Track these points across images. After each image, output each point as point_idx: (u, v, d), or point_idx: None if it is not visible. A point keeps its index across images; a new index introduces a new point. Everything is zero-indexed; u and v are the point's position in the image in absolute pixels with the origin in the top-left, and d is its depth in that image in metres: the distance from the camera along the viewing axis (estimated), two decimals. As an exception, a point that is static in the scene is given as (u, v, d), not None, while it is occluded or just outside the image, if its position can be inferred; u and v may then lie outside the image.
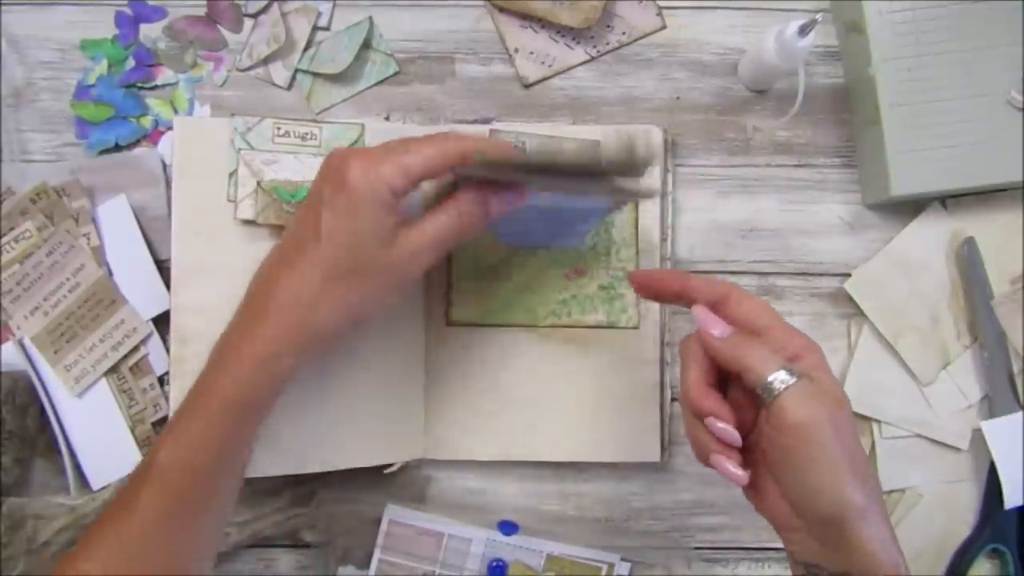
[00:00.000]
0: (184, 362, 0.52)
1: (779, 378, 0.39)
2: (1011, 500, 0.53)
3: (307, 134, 0.53)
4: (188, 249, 0.52)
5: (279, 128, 0.53)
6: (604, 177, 0.44)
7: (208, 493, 0.43)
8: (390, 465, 0.53)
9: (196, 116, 0.56)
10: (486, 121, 0.57)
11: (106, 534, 0.41)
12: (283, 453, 0.51)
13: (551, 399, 0.55)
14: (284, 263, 0.44)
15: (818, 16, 0.48)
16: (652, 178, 0.55)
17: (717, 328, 0.42)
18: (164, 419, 0.55)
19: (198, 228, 0.53)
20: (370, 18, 0.57)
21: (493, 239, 0.54)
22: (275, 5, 0.57)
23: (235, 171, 0.53)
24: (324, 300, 0.43)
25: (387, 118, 0.57)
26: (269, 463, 0.51)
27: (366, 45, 0.57)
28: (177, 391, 0.52)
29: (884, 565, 0.38)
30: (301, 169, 0.53)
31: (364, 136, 0.54)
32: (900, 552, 0.39)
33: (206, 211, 0.52)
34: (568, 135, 0.55)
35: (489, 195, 0.45)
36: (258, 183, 0.52)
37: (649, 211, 0.55)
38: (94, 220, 0.54)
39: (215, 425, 0.42)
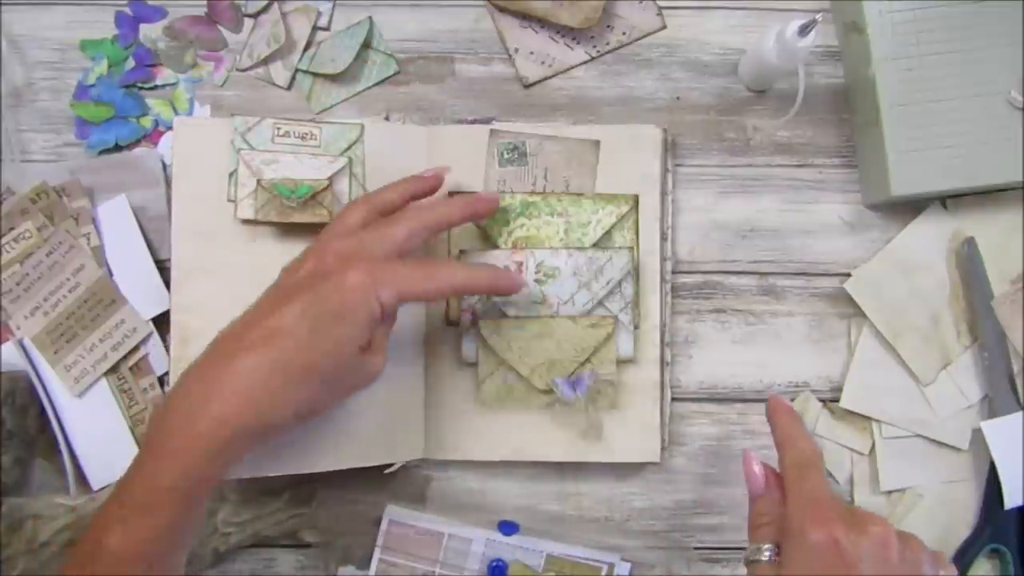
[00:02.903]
0: (184, 362, 0.51)
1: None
2: (1011, 500, 0.53)
3: (307, 134, 0.53)
4: (188, 249, 0.52)
5: (279, 128, 0.53)
6: None
7: (164, 572, 0.42)
8: (390, 465, 0.53)
9: (196, 116, 0.56)
10: (486, 121, 0.57)
11: None
12: (283, 453, 0.51)
13: (551, 398, 0.55)
14: (254, 345, 0.42)
15: (818, 16, 0.48)
16: (652, 178, 0.55)
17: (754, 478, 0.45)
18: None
19: (198, 228, 0.53)
20: (370, 18, 0.57)
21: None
22: (275, 5, 0.57)
23: (235, 171, 0.53)
24: (290, 396, 0.42)
25: (387, 118, 0.57)
26: (269, 463, 0.51)
27: (366, 45, 0.57)
28: None
29: None
30: (301, 168, 0.53)
31: (363, 136, 0.54)
32: None
33: (206, 211, 0.52)
34: (568, 135, 0.55)
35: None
36: (258, 182, 0.52)
37: (649, 211, 0.55)
38: (94, 220, 0.54)
39: (166, 514, 0.40)
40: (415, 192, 0.50)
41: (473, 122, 0.57)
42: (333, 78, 0.57)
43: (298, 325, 0.42)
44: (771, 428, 0.45)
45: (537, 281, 0.54)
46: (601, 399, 0.54)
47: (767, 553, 0.43)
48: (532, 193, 0.55)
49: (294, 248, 0.52)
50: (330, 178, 0.52)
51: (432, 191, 0.51)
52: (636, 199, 0.55)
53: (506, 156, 0.55)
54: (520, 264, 0.54)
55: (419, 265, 0.47)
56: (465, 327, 0.54)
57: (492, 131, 0.55)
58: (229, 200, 0.53)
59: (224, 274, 0.52)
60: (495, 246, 0.54)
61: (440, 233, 0.53)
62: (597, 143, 0.55)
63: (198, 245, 0.52)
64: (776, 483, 0.44)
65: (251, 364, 0.42)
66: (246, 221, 0.52)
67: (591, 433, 0.54)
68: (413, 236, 0.46)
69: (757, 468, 0.45)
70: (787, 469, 0.43)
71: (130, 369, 0.55)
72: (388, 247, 0.45)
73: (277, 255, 0.52)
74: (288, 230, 0.53)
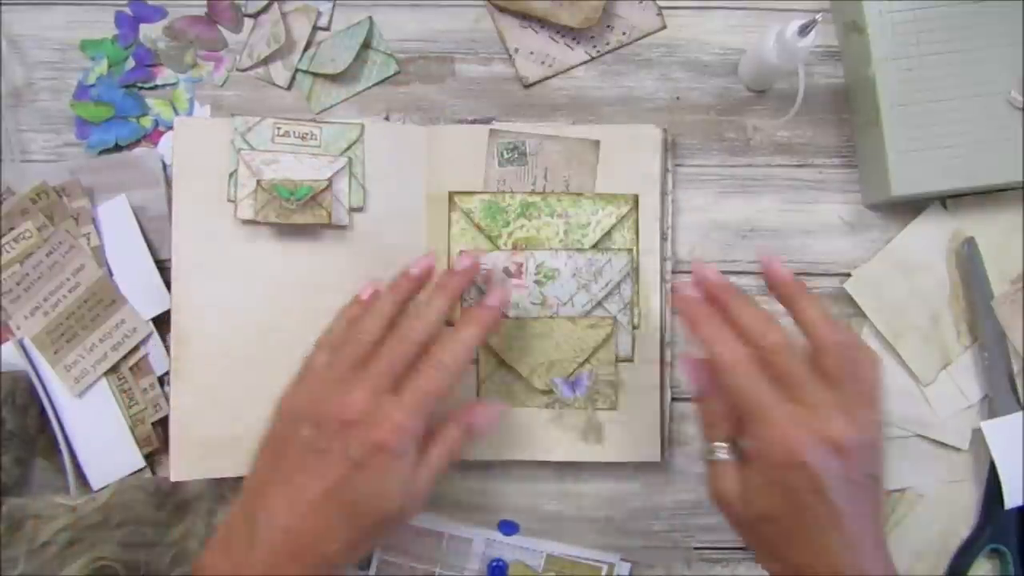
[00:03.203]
0: (184, 361, 0.52)
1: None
2: (1011, 500, 0.53)
3: (307, 134, 0.53)
4: (188, 249, 0.53)
5: (279, 128, 0.53)
6: None
7: None
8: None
9: (196, 116, 0.56)
10: (486, 121, 0.57)
11: None
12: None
13: (551, 399, 0.55)
14: (307, 516, 0.42)
15: (818, 16, 0.48)
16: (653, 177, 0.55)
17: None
18: (164, 419, 0.55)
19: (198, 228, 0.53)
20: (370, 18, 0.57)
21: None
22: (275, 5, 0.57)
23: (235, 171, 0.53)
24: (352, 553, 0.43)
25: (387, 118, 0.57)
26: None
27: (366, 45, 0.57)
28: (177, 391, 0.52)
29: None
30: (301, 168, 0.53)
31: (364, 136, 0.54)
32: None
33: (206, 211, 0.53)
34: (568, 135, 0.55)
35: (464, 419, 0.47)
36: (258, 182, 0.52)
37: (649, 211, 0.55)
38: (94, 220, 0.54)
39: None
40: (405, 300, 0.47)
41: (473, 122, 0.57)
42: (333, 78, 0.57)
43: (343, 492, 0.42)
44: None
45: (537, 282, 0.54)
46: (600, 399, 0.54)
47: (721, 453, 0.44)
48: (532, 193, 0.55)
49: (293, 248, 0.53)
50: (330, 179, 0.52)
51: (421, 287, 0.48)
52: (636, 199, 0.55)
53: (506, 156, 0.55)
54: (520, 265, 0.54)
55: (418, 385, 0.44)
56: None
57: (492, 131, 0.55)
58: (229, 200, 0.53)
59: (224, 274, 0.52)
60: (495, 247, 0.54)
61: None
62: (597, 143, 0.55)
63: (198, 245, 0.53)
64: (719, 387, 0.45)
65: (320, 536, 0.42)
66: (246, 221, 0.52)
67: (591, 433, 0.54)
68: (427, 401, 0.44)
69: (698, 372, 0.45)
70: (718, 375, 0.44)
71: (130, 369, 0.55)
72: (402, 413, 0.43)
73: (277, 255, 0.53)
74: (288, 231, 0.53)
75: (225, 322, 0.53)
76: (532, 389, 0.54)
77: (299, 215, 0.52)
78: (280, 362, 0.49)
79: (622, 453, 0.55)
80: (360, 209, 0.54)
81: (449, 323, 0.50)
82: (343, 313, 0.48)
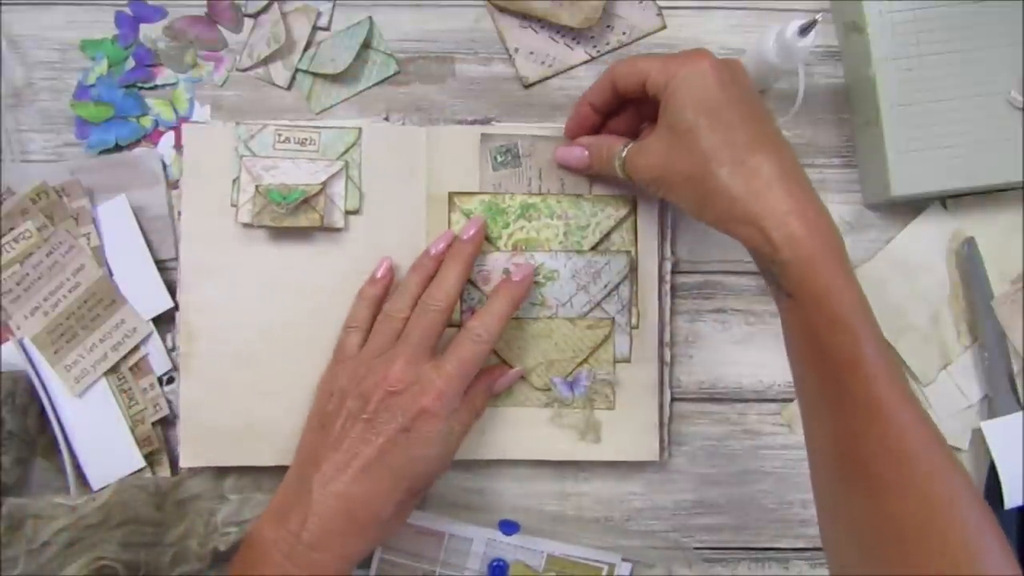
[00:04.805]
0: (192, 358, 0.54)
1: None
2: (1011, 500, 0.53)
3: (306, 139, 0.54)
4: (195, 251, 0.54)
5: (280, 135, 0.54)
6: None
7: None
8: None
9: (198, 117, 0.56)
10: (486, 121, 0.57)
11: None
12: (284, 445, 0.52)
13: (549, 398, 0.55)
14: (360, 480, 0.46)
15: (818, 16, 0.48)
16: None
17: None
18: (164, 419, 0.55)
19: (204, 231, 0.54)
20: (370, 18, 0.57)
21: None
22: (275, 5, 0.57)
23: (238, 177, 0.54)
24: (401, 516, 0.49)
25: (387, 118, 0.57)
26: (270, 454, 0.53)
27: (366, 45, 0.57)
28: (186, 385, 0.53)
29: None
30: (297, 173, 0.54)
31: (361, 140, 0.54)
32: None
33: (211, 215, 0.54)
34: (560, 135, 0.55)
35: (487, 380, 0.52)
36: (256, 187, 0.53)
37: (647, 212, 0.55)
38: (94, 220, 0.54)
39: None
40: (428, 278, 0.51)
41: (473, 123, 0.57)
42: (333, 78, 0.57)
43: (395, 457, 0.47)
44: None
45: (537, 283, 0.54)
46: (599, 399, 0.54)
47: (624, 150, 0.49)
48: (532, 195, 0.55)
49: (292, 251, 0.54)
50: (323, 182, 0.53)
51: (440, 263, 0.52)
52: (635, 200, 0.55)
53: (499, 159, 0.55)
54: (520, 267, 0.54)
55: (457, 356, 0.48)
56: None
57: (483, 135, 0.55)
58: (232, 205, 0.53)
59: (228, 276, 0.54)
60: (495, 248, 0.54)
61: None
62: None
63: (204, 247, 0.54)
64: (589, 139, 0.52)
65: (371, 494, 0.47)
66: (247, 225, 0.53)
67: (589, 433, 0.54)
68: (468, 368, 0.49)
69: (571, 147, 0.53)
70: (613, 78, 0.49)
71: (130, 369, 0.55)
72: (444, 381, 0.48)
73: (276, 257, 0.54)
74: (286, 234, 0.54)
75: (230, 321, 0.54)
76: (531, 388, 0.54)
77: (291, 218, 0.52)
78: (283, 359, 0.54)
79: (620, 452, 0.55)
80: (357, 212, 0.54)
81: (453, 325, 0.51)
82: (363, 294, 0.52)
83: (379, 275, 0.53)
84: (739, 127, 0.43)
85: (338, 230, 0.54)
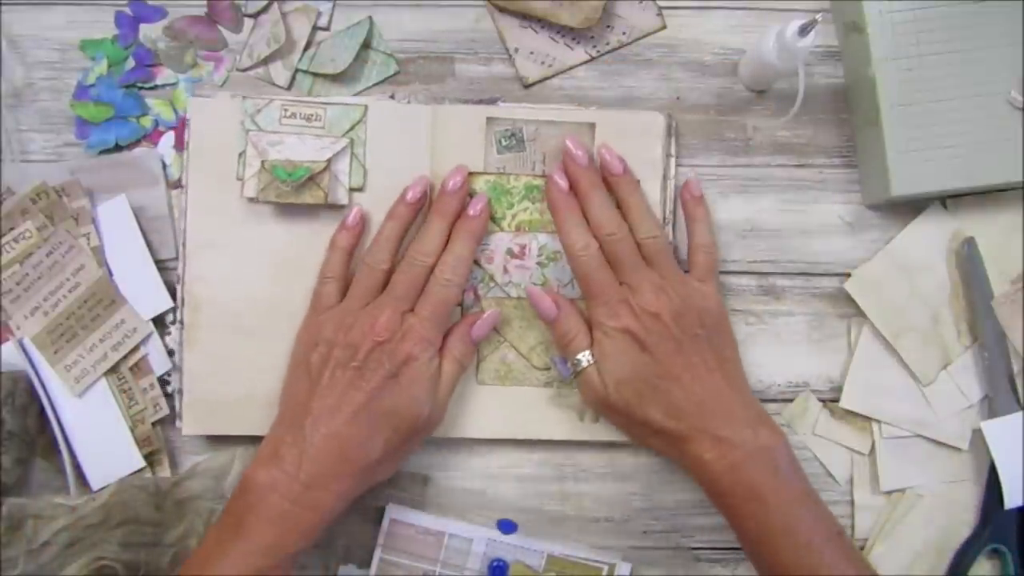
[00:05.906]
0: (197, 328, 0.54)
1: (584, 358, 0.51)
2: (1011, 500, 0.53)
3: (312, 115, 0.54)
4: (200, 224, 0.54)
5: (286, 110, 0.54)
6: None
7: None
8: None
9: (208, 98, 0.56)
10: (492, 101, 0.56)
11: None
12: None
13: (549, 377, 0.55)
14: (352, 422, 0.48)
15: (818, 16, 0.48)
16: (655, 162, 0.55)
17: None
18: (164, 419, 0.55)
19: (210, 204, 0.54)
20: (370, 18, 0.57)
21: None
22: (275, 5, 0.57)
23: (244, 151, 0.54)
24: (391, 459, 0.51)
25: (392, 96, 0.56)
26: (270, 424, 0.52)
27: (366, 45, 0.57)
28: (189, 355, 0.54)
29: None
30: (302, 149, 0.54)
31: (367, 117, 0.54)
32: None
33: (217, 188, 0.54)
34: (566, 119, 0.55)
35: (465, 326, 0.53)
36: (262, 162, 0.53)
37: (650, 196, 0.55)
38: (94, 220, 0.54)
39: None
40: (406, 226, 0.53)
41: (479, 102, 0.56)
42: (333, 78, 0.57)
43: (382, 402, 0.49)
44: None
45: (539, 264, 0.55)
46: None
47: (584, 359, 0.51)
48: (536, 176, 0.55)
49: (295, 226, 0.55)
50: (328, 160, 0.53)
51: (419, 210, 0.54)
52: (638, 185, 0.55)
53: (504, 143, 0.55)
54: (523, 247, 0.55)
55: (431, 301, 0.51)
56: (467, 306, 0.55)
57: (489, 119, 0.55)
58: (238, 179, 0.54)
59: (233, 249, 0.54)
60: (499, 228, 0.55)
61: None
62: (593, 126, 0.55)
63: (210, 220, 0.54)
64: (566, 302, 0.53)
65: (364, 437, 0.49)
66: (251, 199, 0.54)
67: (587, 413, 0.55)
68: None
69: (544, 296, 0.52)
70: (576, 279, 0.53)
71: (130, 369, 0.55)
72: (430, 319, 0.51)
73: (280, 231, 0.55)
74: (289, 209, 0.54)
75: (234, 293, 0.54)
76: (531, 368, 0.55)
77: (296, 195, 0.53)
78: (284, 332, 0.54)
79: (617, 433, 0.55)
80: (360, 189, 0.54)
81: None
82: (336, 243, 0.53)
83: (350, 223, 0.53)
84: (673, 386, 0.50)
85: (342, 207, 0.54)
